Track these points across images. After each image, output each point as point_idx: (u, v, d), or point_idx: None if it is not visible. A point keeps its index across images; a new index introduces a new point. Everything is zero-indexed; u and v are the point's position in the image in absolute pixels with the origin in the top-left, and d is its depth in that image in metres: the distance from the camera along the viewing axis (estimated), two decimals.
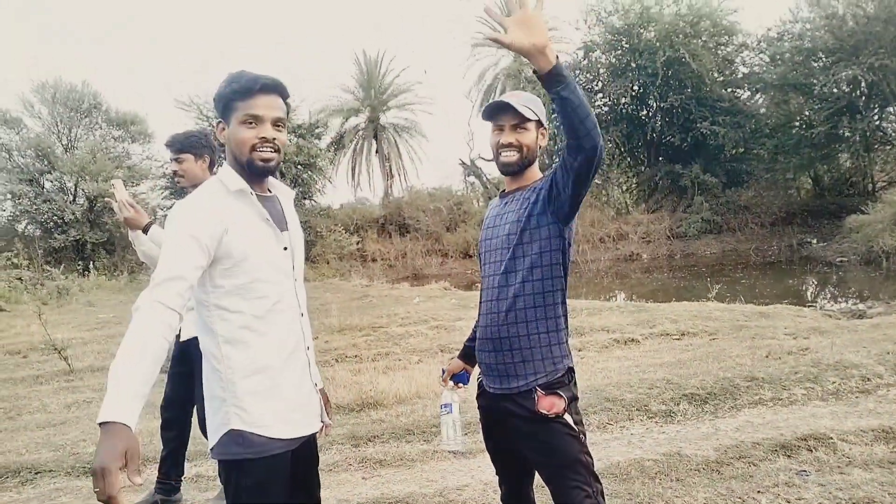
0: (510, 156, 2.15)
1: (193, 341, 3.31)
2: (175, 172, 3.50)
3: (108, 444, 1.42)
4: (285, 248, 1.92)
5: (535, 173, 2.22)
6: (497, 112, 2.15)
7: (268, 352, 1.84)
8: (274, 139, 1.87)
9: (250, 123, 1.84)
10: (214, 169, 3.59)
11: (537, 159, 2.24)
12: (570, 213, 2.05)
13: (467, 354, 2.41)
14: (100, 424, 1.46)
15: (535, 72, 1.79)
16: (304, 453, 1.98)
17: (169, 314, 1.64)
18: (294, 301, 1.94)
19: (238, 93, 1.83)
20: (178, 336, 3.46)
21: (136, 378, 1.54)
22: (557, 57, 1.76)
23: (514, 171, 2.19)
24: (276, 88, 1.87)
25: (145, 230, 3.32)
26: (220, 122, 1.89)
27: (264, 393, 1.82)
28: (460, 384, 2.46)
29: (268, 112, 1.86)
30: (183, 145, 3.43)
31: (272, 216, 1.90)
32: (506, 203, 2.23)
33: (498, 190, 2.17)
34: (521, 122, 2.12)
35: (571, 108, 1.78)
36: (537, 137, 2.17)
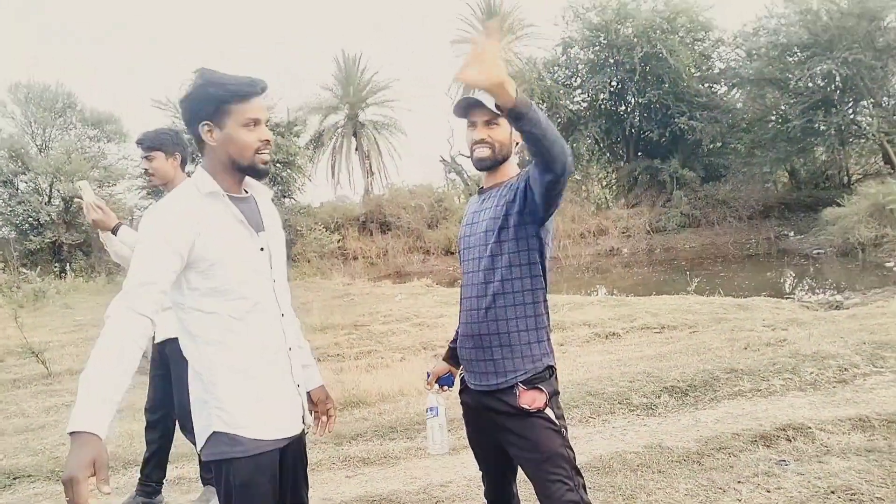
0: (482, 152, 2.15)
1: (169, 342, 3.30)
2: (146, 171, 3.44)
3: (77, 453, 1.45)
4: (262, 249, 1.90)
5: (511, 169, 2.21)
6: (469, 108, 2.15)
7: (247, 353, 1.82)
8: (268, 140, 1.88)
9: (251, 126, 1.84)
10: (186, 167, 3.55)
11: (514, 154, 2.22)
12: (545, 217, 2.05)
13: (452, 356, 2.39)
14: (69, 433, 1.48)
15: (497, 105, 1.79)
16: (292, 454, 1.97)
17: (141, 320, 1.65)
18: (273, 302, 1.91)
19: (236, 95, 1.81)
20: (153, 339, 3.43)
21: (107, 386, 1.55)
22: (518, 91, 1.74)
23: (487, 166, 2.18)
24: (266, 90, 1.89)
25: (114, 231, 3.28)
26: (205, 124, 1.82)
27: (245, 395, 1.80)
28: (445, 387, 2.43)
29: (263, 114, 1.87)
30: (153, 143, 3.37)
31: (247, 217, 1.88)
32: (483, 200, 2.22)
33: (478, 186, 2.14)
34: (492, 118, 2.11)
35: (535, 140, 1.79)
36: (511, 132, 2.15)
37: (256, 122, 1.85)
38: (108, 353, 1.58)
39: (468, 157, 2.26)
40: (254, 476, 1.80)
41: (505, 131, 2.14)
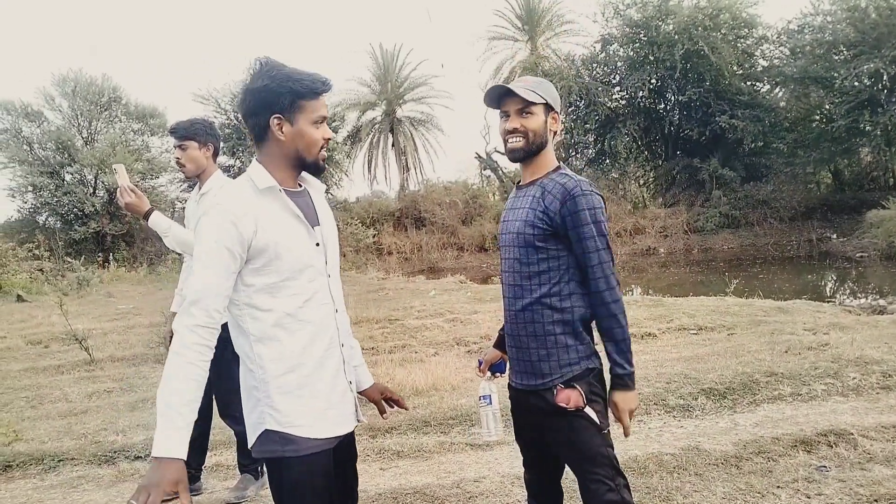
0: (516, 142, 2.10)
1: None
2: (178, 160, 3.49)
3: (162, 473, 1.57)
4: (317, 244, 1.90)
5: (548, 159, 2.15)
6: (501, 97, 2.12)
7: (301, 350, 1.82)
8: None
9: (319, 123, 1.88)
10: (217, 159, 3.60)
11: (551, 143, 2.17)
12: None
13: (501, 343, 2.34)
14: (154, 458, 1.59)
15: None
16: (344, 449, 1.98)
17: (208, 334, 1.71)
18: (328, 297, 1.91)
19: (311, 92, 1.83)
20: None
21: (184, 410, 1.64)
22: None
23: (521, 157, 2.13)
24: (331, 88, 1.94)
25: (146, 216, 3.34)
26: (277, 116, 1.82)
27: (297, 392, 1.81)
28: (497, 374, 2.42)
29: (327, 112, 1.93)
30: (187, 132, 3.42)
31: (304, 212, 1.87)
32: (518, 197, 2.18)
33: (514, 184, 2.12)
34: (525, 106, 2.07)
35: None
36: (546, 122, 2.11)
37: (323, 120, 1.89)
38: (180, 374, 1.66)
39: (503, 153, 2.24)
40: (307, 475, 1.81)
41: (539, 119, 2.09)
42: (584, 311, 2.07)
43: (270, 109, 1.82)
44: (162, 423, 1.61)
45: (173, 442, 1.60)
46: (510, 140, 2.11)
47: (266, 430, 1.80)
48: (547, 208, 2.02)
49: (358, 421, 2.01)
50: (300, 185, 1.97)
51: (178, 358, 1.66)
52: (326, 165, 1.95)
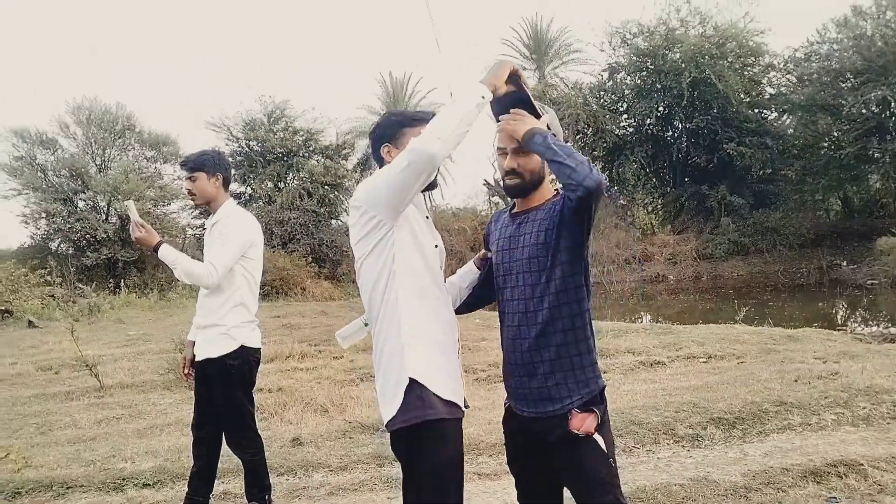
0: (512, 181, 2.17)
1: (209, 362, 3.42)
2: (189, 190, 3.59)
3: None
4: (436, 246, 2.26)
5: (545, 191, 2.21)
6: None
7: (440, 317, 2.18)
8: None
9: None
10: (229, 187, 3.69)
11: (548, 178, 2.21)
12: (584, 236, 2.08)
13: None
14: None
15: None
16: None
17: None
18: (446, 290, 2.29)
19: (413, 119, 2.25)
20: (193, 357, 3.55)
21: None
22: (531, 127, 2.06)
23: (517, 194, 2.21)
24: None
25: (155, 249, 3.41)
26: (385, 145, 2.26)
27: (436, 359, 2.11)
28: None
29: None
30: (196, 164, 3.52)
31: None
32: (520, 224, 2.20)
33: (508, 209, 2.18)
34: (521, 146, 2.10)
35: (550, 162, 1.99)
36: (543, 161, 2.13)
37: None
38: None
39: None
40: (450, 439, 2.07)
41: (535, 160, 2.14)
42: (592, 330, 2.14)
43: (381, 140, 2.29)
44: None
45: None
46: (507, 179, 2.19)
47: (409, 378, 2.09)
48: (554, 215, 2.10)
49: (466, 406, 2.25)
50: None
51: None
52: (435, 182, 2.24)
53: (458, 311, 2.43)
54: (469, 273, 2.50)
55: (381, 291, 2.11)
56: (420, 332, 2.09)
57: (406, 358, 2.05)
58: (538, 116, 2.13)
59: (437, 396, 2.04)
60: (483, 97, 2.00)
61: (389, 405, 2.07)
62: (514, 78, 2.12)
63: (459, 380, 2.19)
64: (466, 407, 2.21)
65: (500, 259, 2.25)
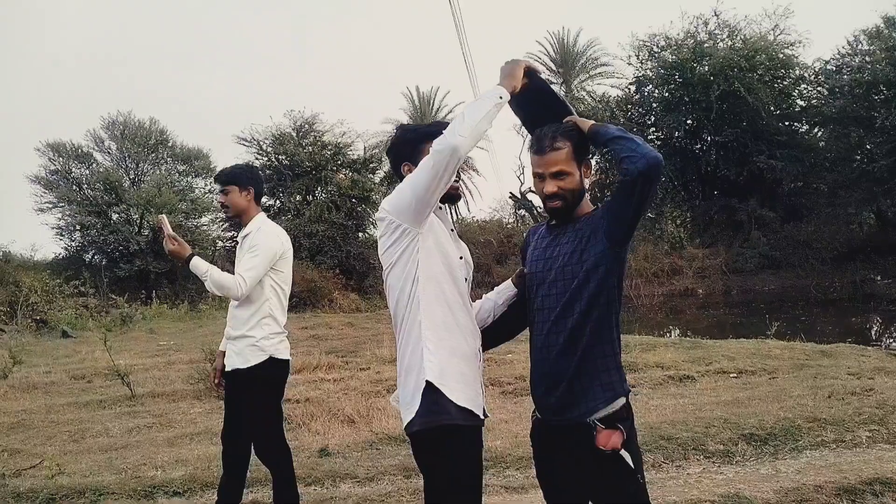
0: (555, 204, 2.17)
1: (238, 373, 3.46)
2: (222, 203, 3.71)
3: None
4: (461, 258, 2.30)
5: (585, 206, 2.23)
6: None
7: (461, 327, 2.20)
8: None
9: None
10: (261, 201, 3.76)
11: (587, 193, 2.24)
12: (626, 236, 2.09)
13: None
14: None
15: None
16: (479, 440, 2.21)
17: None
18: (469, 300, 2.31)
19: (427, 136, 2.22)
20: (224, 367, 3.60)
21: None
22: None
23: (562, 217, 2.22)
24: None
25: (187, 261, 3.48)
26: (405, 164, 2.31)
27: (455, 365, 2.13)
28: None
29: None
30: (228, 178, 3.64)
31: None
32: (556, 235, 2.23)
33: (547, 220, 2.21)
34: (561, 169, 2.13)
35: (612, 145, 2.06)
36: (581, 177, 2.17)
37: None
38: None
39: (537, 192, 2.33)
40: (469, 446, 2.10)
41: (575, 179, 2.16)
42: (618, 334, 2.16)
43: (400, 159, 2.37)
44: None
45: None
46: (549, 203, 2.18)
47: (426, 381, 2.12)
48: (594, 227, 2.12)
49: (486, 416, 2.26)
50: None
51: None
52: (457, 193, 2.38)
53: (486, 343, 2.43)
54: (506, 290, 2.49)
55: (406, 298, 2.17)
56: (440, 338, 2.13)
57: (425, 362, 2.10)
58: (561, 102, 2.26)
59: (453, 402, 2.08)
60: (501, 97, 2.07)
61: (408, 408, 2.12)
62: (529, 73, 2.19)
63: (479, 389, 2.21)
64: (486, 416, 2.23)
65: (534, 269, 2.26)
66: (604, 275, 2.08)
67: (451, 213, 2.57)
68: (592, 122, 2.15)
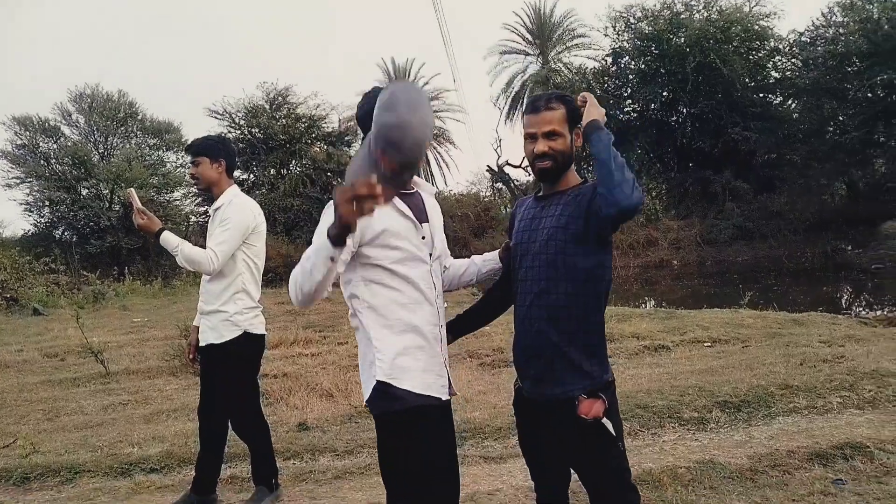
0: (545, 164, 2.15)
1: (212, 348, 3.43)
2: (192, 175, 3.62)
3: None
4: (423, 238, 2.17)
5: (572, 177, 2.21)
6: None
7: (411, 319, 2.10)
8: None
9: None
10: (233, 174, 3.68)
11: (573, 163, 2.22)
12: (608, 235, 2.08)
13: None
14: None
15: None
16: (444, 420, 2.21)
17: None
18: (431, 286, 2.17)
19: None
20: (198, 343, 3.56)
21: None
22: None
23: (549, 179, 2.19)
24: None
25: (157, 235, 3.41)
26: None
27: (406, 361, 2.07)
28: None
29: None
30: (199, 149, 3.56)
31: (413, 210, 2.15)
32: (543, 207, 2.21)
33: (525, 195, 2.18)
34: (553, 129, 2.11)
35: (601, 164, 1.95)
36: (572, 141, 2.16)
37: None
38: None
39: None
40: (412, 430, 2.06)
41: (566, 141, 2.14)
42: (602, 318, 2.14)
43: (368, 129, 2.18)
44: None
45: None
46: (539, 163, 2.15)
47: (376, 381, 2.09)
48: (581, 203, 2.08)
49: (450, 394, 2.22)
50: (412, 188, 2.26)
51: None
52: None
53: (471, 324, 2.54)
54: (492, 260, 2.49)
55: (357, 300, 2.15)
56: (389, 338, 2.08)
57: (376, 362, 2.07)
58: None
59: (408, 391, 2.06)
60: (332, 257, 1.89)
61: (366, 394, 2.11)
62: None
63: (440, 371, 2.17)
64: (453, 394, 2.22)
65: (520, 239, 2.24)
66: (587, 255, 2.07)
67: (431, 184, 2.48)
68: (598, 119, 2.06)
